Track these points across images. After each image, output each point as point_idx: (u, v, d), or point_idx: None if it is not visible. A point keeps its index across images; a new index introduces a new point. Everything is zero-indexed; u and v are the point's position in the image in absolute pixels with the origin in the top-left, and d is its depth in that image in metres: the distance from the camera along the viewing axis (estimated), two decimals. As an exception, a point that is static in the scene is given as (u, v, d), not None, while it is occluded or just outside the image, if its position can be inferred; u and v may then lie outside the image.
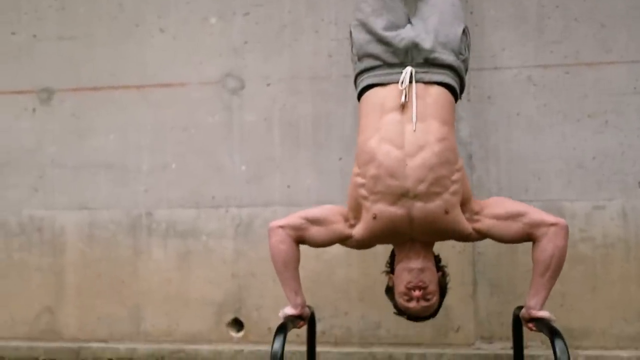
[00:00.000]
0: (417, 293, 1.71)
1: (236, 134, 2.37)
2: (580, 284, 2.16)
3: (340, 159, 2.31)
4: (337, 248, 2.26)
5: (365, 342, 2.28)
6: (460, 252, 2.23)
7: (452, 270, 2.20)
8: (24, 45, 2.50)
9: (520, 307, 1.81)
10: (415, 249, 1.76)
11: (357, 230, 1.79)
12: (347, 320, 2.29)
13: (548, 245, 1.67)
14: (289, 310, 1.78)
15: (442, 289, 1.79)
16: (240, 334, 2.34)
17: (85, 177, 2.45)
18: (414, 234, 1.74)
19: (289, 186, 2.34)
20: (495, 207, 1.77)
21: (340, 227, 1.80)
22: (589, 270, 2.17)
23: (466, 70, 1.91)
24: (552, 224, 1.69)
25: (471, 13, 2.22)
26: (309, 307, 1.92)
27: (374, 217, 1.73)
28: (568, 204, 2.19)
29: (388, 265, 1.85)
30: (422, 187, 1.68)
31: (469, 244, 2.21)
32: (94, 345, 2.39)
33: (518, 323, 1.89)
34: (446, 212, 1.71)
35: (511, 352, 2.07)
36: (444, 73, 1.79)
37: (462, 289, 2.21)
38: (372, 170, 1.73)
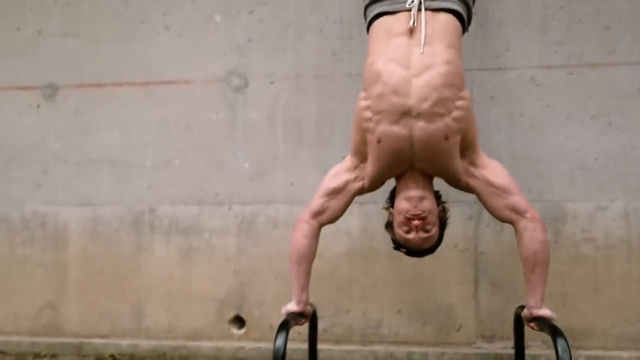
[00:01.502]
0: (416, 222, 1.71)
1: (239, 132, 2.38)
2: (582, 284, 2.16)
3: (343, 157, 2.26)
4: (339, 247, 2.28)
5: (366, 340, 2.28)
6: (462, 251, 2.23)
7: (453, 269, 2.23)
8: (28, 41, 2.51)
9: (522, 307, 1.81)
10: (415, 177, 1.75)
11: (366, 173, 1.80)
12: (349, 319, 2.29)
13: (530, 243, 1.70)
14: (292, 307, 1.79)
15: (442, 223, 1.79)
16: (242, 331, 2.34)
17: (88, 173, 2.46)
18: (414, 158, 1.73)
19: (292, 184, 2.34)
20: (493, 173, 1.78)
21: (353, 184, 1.82)
22: (590, 271, 2.17)
23: (474, 1, 1.91)
24: (530, 219, 1.71)
25: (475, 13, 2.21)
26: (311, 304, 1.92)
27: (379, 141, 1.73)
28: (570, 205, 2.19)
29: (388, 200, 1.85)
30: (425, 106, 1.68)
31: (471, 243, 2.22)
32: (96, 341, 2.39)
33: (520, 322, 1.89)
34: (446, 138, 1.70)
35: (512, 351, 2.07)
36: (452, 0, 1.80)
37: (464, 288, 2.21)
38: (377, 89, 1.73)
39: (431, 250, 1.81)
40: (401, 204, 1.75)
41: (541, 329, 1.68)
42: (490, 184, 1.76)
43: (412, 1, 1.76)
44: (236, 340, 2.34)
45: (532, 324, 1.72)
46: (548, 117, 2.20)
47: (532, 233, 1.71)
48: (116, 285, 2.42)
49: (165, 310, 2.39)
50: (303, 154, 2.33)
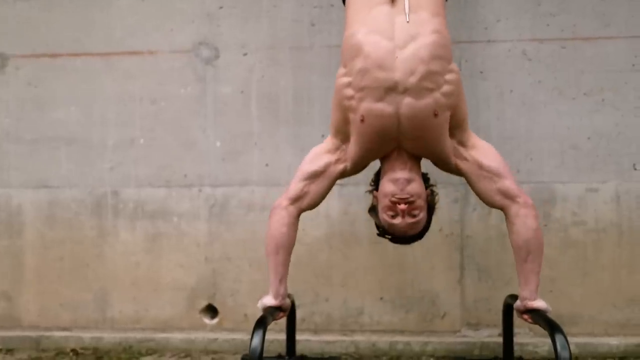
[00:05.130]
0: (402, 206, 1.59)
1: (210, 108, 2.22)
2: (571, 269, 2.10)
3: (323, 135, 2.14)
4: (318, 232, 2.16)
5: (347, 329, 2.18)
6: (447, 236, 2.13)
7: (438, 254, 2.14)
8: (-27, 5, 2.28)
9: (513, 296, 1.72)
10: (402, 158, 1.64)
11: (349, 154, 1.68)
12: (328, 307, 2.18)
13: (522, 229, 1.61)
14: (269, 301, 1.66)
15: (430, 208, 1.69)
16: (215, 321, 2.23)
17: (44, 153, 2.28)
18: (401, 138, 1.62)
19: (267, 164, 2.20)
20: (483, 155, 1.67)
21: (335, 166, 1.70)
22: (579, 255, 2.10)
23: None
24: (522, 205, 1.62)
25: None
26: (288, 295, 1.80)
27: (362, 120, 1.60)
28: (560, 186, 2.10)
29: (372, 183, 1.74)
30: (412, 80, 1.56)
31: (457, 227, 2.12)
32: (56, 334, 2.24)
33: (509, 312, 1.80)
34: (435, 115, 1.59)
35: (499, 339, 2.00)
36: None
37: (449, 275, 2.12)
38: (358, 64, 1.60)
39: (418, 236, 1.70)
40: (386, 186, 1.63)
41: (535, 322, 1.58)
42: (481, 167, 1.66)
43: None
44: (208, 331, 2.22)
45: (525, 317, 1.63)
46: (539, 93, 2.10)
47: (524, 220, 1.61)
48: (77, 274, 2.26)
49: (131, 299, 2.25)
50: (279, 131, 2.19)
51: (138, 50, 2.24)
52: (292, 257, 2.13)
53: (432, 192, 1.70)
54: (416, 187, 1.62)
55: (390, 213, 1.62)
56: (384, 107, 1.58)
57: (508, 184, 1.64)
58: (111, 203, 2.26)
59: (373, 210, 1.72)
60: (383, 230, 1.70)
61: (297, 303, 2.11)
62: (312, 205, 1.72)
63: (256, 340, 1.41)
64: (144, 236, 2.24)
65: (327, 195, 1.77)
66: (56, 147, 2.27)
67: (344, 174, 1.72)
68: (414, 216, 1.62)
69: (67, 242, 2.26)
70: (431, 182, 1.72)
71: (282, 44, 2.19)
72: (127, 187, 2.25)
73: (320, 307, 2.18)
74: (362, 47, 1.59)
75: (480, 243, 2.12)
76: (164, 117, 2.24)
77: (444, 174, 1.76)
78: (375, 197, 1.70)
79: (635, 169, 2.08)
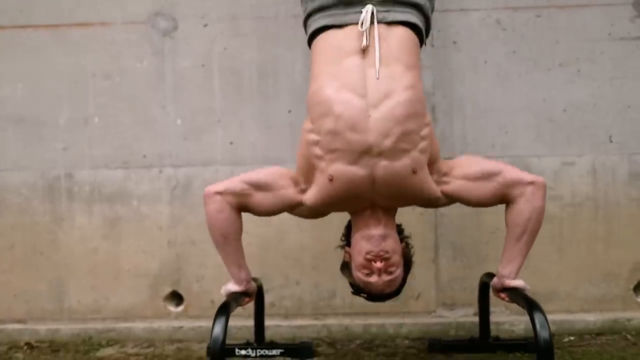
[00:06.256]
0: (378, 265, 1.50)
1: (169, 83, 2.08)
2: (546, 245, 2.04)
3: (289, 111, 2.06)
4: (287, 211, 2.05)
5: (318, 313, 2.09)
6: (421, 214, 2.05)
7: (412, 233, 2.03)
8: None
9: (489, 275, 1.65)
10: (376, 215, 1.55)
11: (309, 196, 1.56)
12: (299, 290, 2.09)
13: (525, 206, 1.51)
14: (232, 287, 1.57)
15: (407, 262, 1.60)
16: (180, 308, 2.12)
17: (-11, 133, 2.12)
18: (376, 197, 1.53)
19: (231, 142, 2.09)
20: (466, 166, 1.58)
21: (290, 193, 1.57)
22: (555, 231, 2.05)
23: (432, 9, 1.69)
24: (530, 183, 1.52)
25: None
26: (255, 279, 1.71)
27: (330, 180, 1.50)
28: (536, 160, 2.04)
29: (343, 238, 1.65)
30: (387, 143, 1.47)
31: (431, 205, 2.04)
32: (9, 327, 2.10)
33: (485, 291, 1.75)
34: (414, 172, 1.50)
35: (474, 319, 1.95)
36: (409, 11, 1.57)
37: (423, 254, 2.04)
38: (328, 124, 1.49)
39: (395, 293, 1.59)
40: (360, 243, 1.53)
41: (513, 301, 1.52)
42: (470, 177, 1.55)
43: (364, 15, 1.50)
44: (173, 319, 2.11)
45: (502, 295, 1.56)
46: (514, 64, 2.03)
47: (530, 198, 1.50)
48: (31, 262, 2.12)
49: (89, 288, 2.12)
50: (244, 107, 2.08)
51: (89, 22, 2.09)
52: (261, 239, 2.06)
53: (408, 244, 1.61)
54: (392, 243, 1.53)
55: (366, 271, 1.52)
56: (357, 170, 1.48)
57: (507, 175, 1.54)
58: (65, 186, 2.11)
59: (345, 267, 1.61)
60: (358, 289, 1.59)
61: (266, 287, 2.02)
62: (249, 209, 1.58)
63: (218, 329, 1.31)
64: (102, 221, 2.11)
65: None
66: (2, 128, 2.11)
67: (297, 207, 1.59)
68: (391, 273, 1.52)
69: (18, 228, 2.11)
70: (405, 233, 1.63)
71: (245, 13, 2.06)
72: (81, 169, 2.11)
73: (290, 290, 2.09)
74: (333, 107, 1.48)
75: (455, 221, 2.06)
76: (120, 94, 2.09)
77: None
78: (347, 253, 1.59)
79: (612, 142, 2.04)
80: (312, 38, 1.61)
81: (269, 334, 1.93)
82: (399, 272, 1.55)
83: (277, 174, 1.59)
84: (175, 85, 2.09)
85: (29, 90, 2.11)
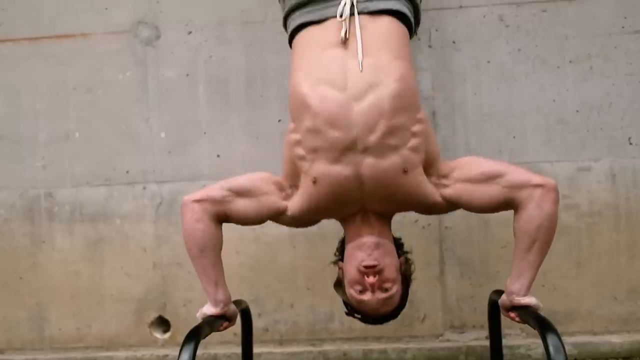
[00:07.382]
0: (371, 280, 1.35)
1: (153, 94, 1.99)
2: (564, 259, 1.87)
3: (279, 120, 1.94)
4: (281, 228, 1.91)
5: (315, 338, 1.93)
6: (424, 228, 1.90)
7: (415, 248, 1.88)
8: None
9: (499, 292, 1.48)
10: (368, 221, 1.41)
11: (294, 202, 1.44)
12: (294, 314, 1.94)
13: (534, 212, 1.34)
14: (208, 309, 1.42)
15: (405, 280, 1.44)
16: (166, 335, 1.98)
17: (-35, 152, 2.03)
18: (365, 200, 1.39)
19: (219, 155, 1.97)
20: (468, 168, 1.43)
21: (274, 199, 1.45)
22: (573, 243, 1.87)
23: None
24: (539, 185, 1.36)
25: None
26: (240, 302, 1.57)
27: (314, 182, 1.38)
28: (548, 166, 1.88)
29: (337, 252, 1.51)
30: (373, 138, 1.34)
31: (434, 217, 1.89)
32: (-14, 357, 1.98)
33: (495, 310, 1.57)
34: (405, 172, 1.36)
35: (486, 342, 1.78)
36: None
37: (428, 271, 1.88)
38: (307, 122, 1.38)
39: (392, 314, 1.45)
40: (353, 255, 1.40)
41: (524, 321, 1.34)
42: (472, 180, 1.40)
43: (342, 6, 1.40)
44: (160, 347, 1.97)
45: (512, 314, 1.39)
46: (519, 63, 1.89)
47: (540, 203, 1.34)
48: (9, 288, 2.01)
49: (71, 315, 2.00)
50: (231, 118, 1.97)
51: (69, 33, 2.01)
52: (251, 259, 1.92)
53: (407, 260, 1.46)
54: (386, 253, 1.39)
55: (358, 287, 1.39)
56: (341, 169, 1.36)
57: (513, 176, 1.38)
58: (45, 206, 2.01)
59: (339, 285, 1.48)
60: (352, 309, 1.46)
61: (258, 311, 1.89)
62: (230, 218, 1.45)
63: (185, 357, 1.15)
64: (84, 242, 2.00)
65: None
66: (-20, 146, 2.03)
67: (281, 215, 1.46)
68: (386, 290, 1.38)
69: (-4, 252, 2.02)
70: (406, 248, 1.49)
71: (231, 19, 1.96)
72: (62, 188, 2.01)
73: (284, 314, 1.94)
74: (308, 102, 1.37)
75: (461, 234, 1.90)
76: (102, 107, 2.00)
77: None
78: (340, 268, 1.46)
79: (631, 143, 1.87)
80: (292, 37, 1.51)
81: (260, 362, 1.78)
82: (395, 289, 1.40)
83: (260, 179, 1.47)
84: (159, 96, 1.99)
85: (7, 105, 2.03)
